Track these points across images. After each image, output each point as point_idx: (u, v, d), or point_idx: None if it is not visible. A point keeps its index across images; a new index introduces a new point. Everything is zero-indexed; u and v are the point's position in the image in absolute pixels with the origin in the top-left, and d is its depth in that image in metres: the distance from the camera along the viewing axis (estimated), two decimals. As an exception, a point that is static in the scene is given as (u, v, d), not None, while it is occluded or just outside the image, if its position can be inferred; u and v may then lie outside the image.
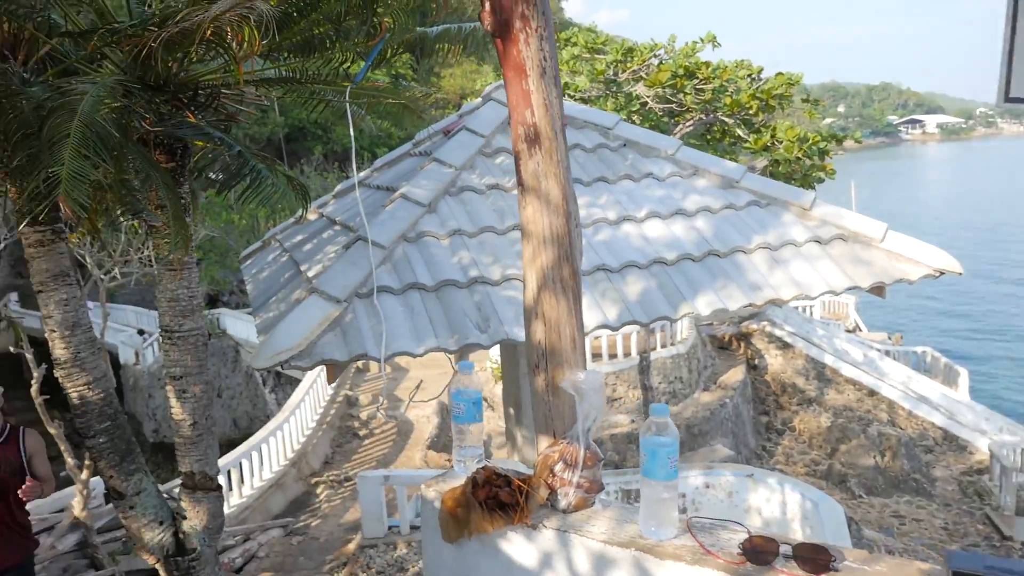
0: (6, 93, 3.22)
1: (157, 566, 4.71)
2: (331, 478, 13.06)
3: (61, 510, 9.83)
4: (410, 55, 5.32)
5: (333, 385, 15.64)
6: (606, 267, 4.11)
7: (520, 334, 3.79)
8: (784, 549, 1.50)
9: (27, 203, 3.26)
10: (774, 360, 19.78)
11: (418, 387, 14.98)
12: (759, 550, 1.51)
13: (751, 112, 15.44)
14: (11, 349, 16.68)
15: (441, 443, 14.76)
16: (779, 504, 8.43)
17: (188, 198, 3.97)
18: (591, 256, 4.15)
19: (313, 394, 14.67)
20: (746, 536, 1.55)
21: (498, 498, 1.59)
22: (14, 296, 24.38)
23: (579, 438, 1.57)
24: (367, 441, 14.88)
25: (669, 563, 1.46)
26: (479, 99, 5.32)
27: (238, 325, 20.63)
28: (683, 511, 8.24)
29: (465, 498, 1.62)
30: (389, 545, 9.60)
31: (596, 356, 15.96)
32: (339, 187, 5.62)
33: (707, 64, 15.79)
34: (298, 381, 15.95)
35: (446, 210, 4.29)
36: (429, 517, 1.70)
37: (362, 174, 5.09)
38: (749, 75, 16.12)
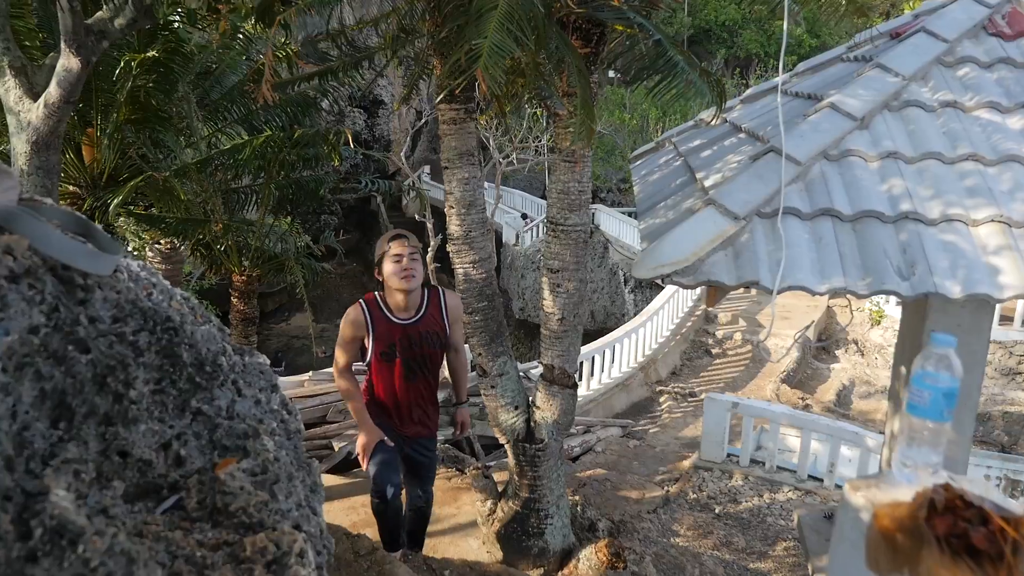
0: (445, -36, 3.24)
1: (506, 445, 4.92)
2: (676, 390, 13.00)
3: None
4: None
5: (693, 297, 15.37)
6: None
7: (954, 289, 3.07)
8: None
9: (447, 78, 3.33)
10: None
11: (801, 334, 14.08)
12: None
13: None
14: (416, 217, 19.03)
15: (796, 379, 13.87)
16: None
17: (595, 88, 3.79)
18: None
19: (672, 303, 14.56)
20: None
21: (967, 538, 1.13)
22: (427, 169, 27.62)
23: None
24: (718, 360, 14.51)
25: None
26: (947, -4, 4.35)
27: (611, 223, 21.15)
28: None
29: (913, 523, 1.18)
30: (725, 473, 9.30)
31: (1006, 319, 13.58)
32: (749, 91, 5.08)
33: None
34: (659, 287, 15.96)
35: (882, 127, 3.58)
36: (849, 528, 1.30)
37: (778, 79, 4.49)
38: None
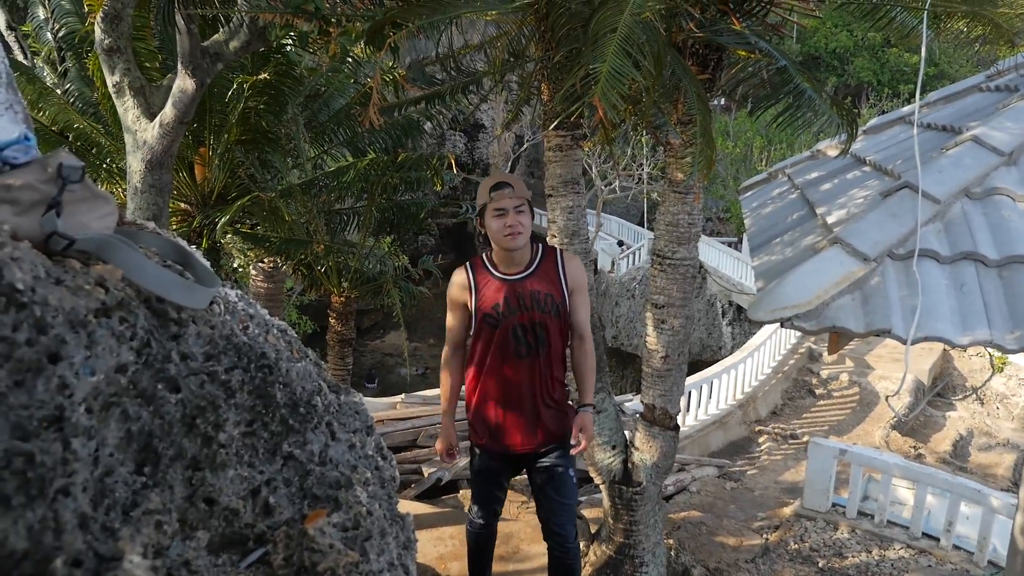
0: (558, -12, 3.14)
1: (601, 486, 4.72)
2: (777, 431, 12.43)
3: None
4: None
5: (797, 334, 14.74)
6: None
7: (1120, 350, 2.72)
8: None
9: (559, 104, 3.21)
10: None
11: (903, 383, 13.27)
12: None
13: None
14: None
15: (909, 426, 13.05)
16: None
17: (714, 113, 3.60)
18: None
19: (775, 339, 13.99)
20: None
21: None
22: (525, 193, 27.66)
23: None
24: (822, 402, 13.82)
25: None
26: (1106, 21, 3.96)
27: (710, 253, 20.64)
28: None
29: None
30: (829, 524, 8.77)
31: None
32: (873, 121, 4.77)
33: None
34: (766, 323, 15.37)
35: (1034, 164, 3.25)
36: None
37: (905, 109, 4.17)
38: None
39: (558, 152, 3.97)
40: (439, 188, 7.51)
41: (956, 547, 7.99)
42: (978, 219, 3.13)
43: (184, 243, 1.55)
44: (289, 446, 1.44)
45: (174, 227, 7.91)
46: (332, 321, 8.50)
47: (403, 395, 8.70)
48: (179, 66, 4.43)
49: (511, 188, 2.94)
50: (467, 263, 3.13)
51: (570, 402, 3.27)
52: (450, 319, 3.15)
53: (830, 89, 26.84)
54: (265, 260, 8.81)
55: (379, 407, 8.34)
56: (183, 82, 4.42)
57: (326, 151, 8.92)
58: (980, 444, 12.85)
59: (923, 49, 3.38)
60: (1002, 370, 14.02)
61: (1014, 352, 2.90)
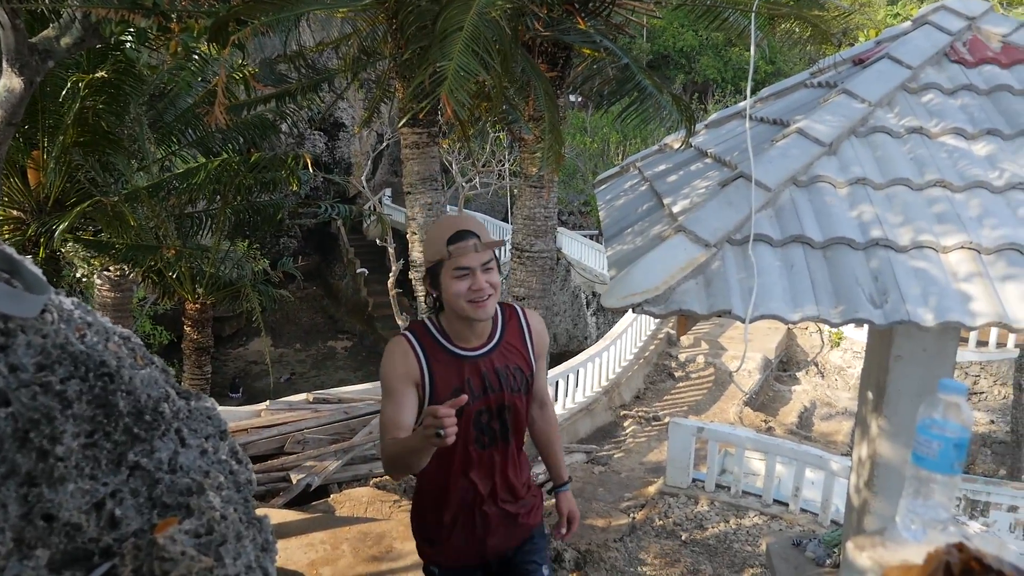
0: (408, -14, 3.16)
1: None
2: (640, 414, 12.95)
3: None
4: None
5: (656, 320, 15.38)
6: (1019, 246, 3.14)
7: (926, 317, 3.03)
8: None
9: (410, 101, 3.23)
10: None
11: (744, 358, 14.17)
12: None
13: None
14: (377, 241, 18.86)
15: (759, 401, 13.93)
16: None
17: (561, 112, 3.72)
18: (1008, 228, 3.20)
19: (635, 327, 14.55)
20: None
21: (988, 605, 1.03)
22: (388, 192, 27.46)
23: None
24: (681, 384, 14.51)
25: None
26: (907, 23, 4.38)
27: (573, 246, 21.19)
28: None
29: (929, 586, 1.07)
30: (691, 498, 9.24)
31: (960, 340, 13.81)
32: (713, 116, 5.06)
33: None
34: (621, 310, 15.97)
35: (850, 153, 3.56)
36: (854, 586, 1.20)
37: (741, 104, 4.46)
38: None
39: (415, 149, 3.99)
40: (295, 188, 7.33)
41: (803, 510, 8.62)
42: (804, 205, 3.39)
43: (11, 250, 1.46)
44: (135, 455, 1.39)
45: (6, 236, 7.33)
46: (187, 329, 8.12)
47: (268, 402, 8.45)
48: (4, 64, 4.12)
49: (476, 239, 2.22)
50: (408, 332, 2.38)
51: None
52: (390, 407, 2.28)
53: (678, 86, 28.14)
54: (111, 268, 8.31)
55: (243, 415, 8.07)
56: (9, 81, 4.12)
57: (174, 152, 8.51)
58: (822, 414, 13.89)
59: (752, 47, 3.64)
60: (839, 344, 15.20)
61: (839, 325, 3.17)
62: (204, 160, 7.61)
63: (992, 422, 13.51)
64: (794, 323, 3.11)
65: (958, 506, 9.34)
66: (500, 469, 2.45)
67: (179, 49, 3.57)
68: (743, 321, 3.09)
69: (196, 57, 7.48)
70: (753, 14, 3.52)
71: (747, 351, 14.79)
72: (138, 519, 1.35)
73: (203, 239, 8.58)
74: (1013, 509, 8.52)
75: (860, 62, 4.21)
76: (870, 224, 3.28)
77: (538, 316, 2.64)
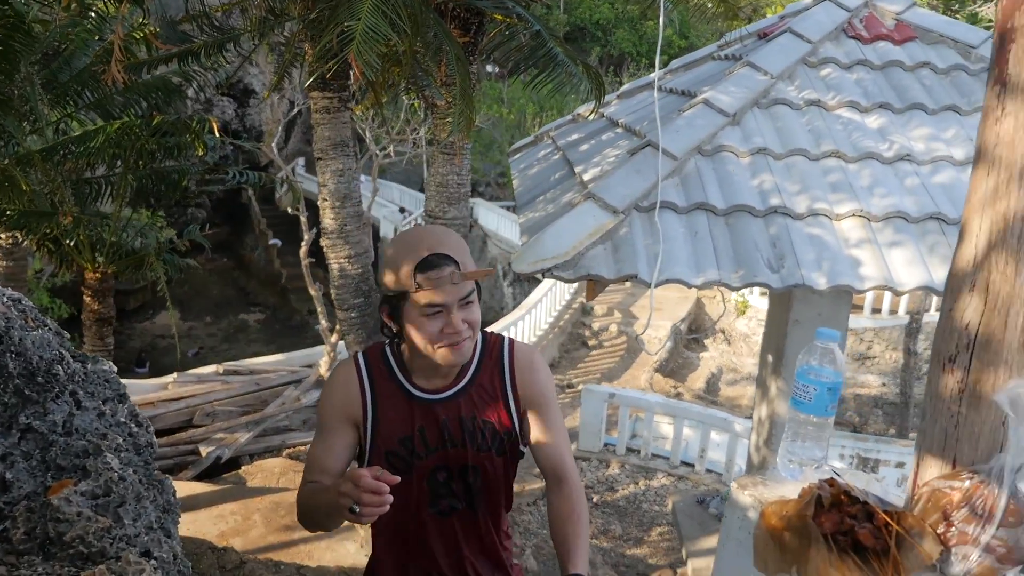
0: (314, -57, 3.09)
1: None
2: (555, 382, 13.16)
3: (310, 365, 10.72)
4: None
5: (571, 290, 15.61)
6: (942, 216, 3.34)
7: (819, 281, 3.19)
8: None
9: (318, 62, 3.17)
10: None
11: (648, 322, 14.51)
12: None
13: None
14: (289, 210, 18.44)
15: (669, 368, 14.34)
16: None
17: (474, 79, 3.72)
18: (924, 201, 3.39)
19: (551, 296, 14.73)
20: None
21: (855, 536, 1.12)
22: (301, 161, 26.79)
23: (1001, 477, 1.05)
24: (595, 352, 14.80)
25: None
26: (808, -1, 4.54)
27: (490, 217, 21.20)
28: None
29: (801, 521, 1.16)
30: (602, 462, 9.49)
31: (855, 307, 14.52)
32: (626, 86, 5.14)
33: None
34: (537, 280, 16.13)
35: (752, 124, 3.68)
36: (735, 527, 1.28)
37: (653, 75, 4.55)
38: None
39: (325, 114, 3.92)
40: (201, 154, 7.08)
41: (709, 471, 8.97)
42: (708, 173, 3.50)
43: None
44: (27, 418, 1.35)
45: None
46: (87, 300, 7.78)
47: (175, 374, 8.21)
48: None
49: (454, 266, 1.67)
50: (359, 355, 1.91)
51: (516, 561, 2.07)
52: (318, 445, 1.87)
53: (594, 58, 28.33)
54: (2, 236, 7.87)
55: (149, 388, 7.82)
56: None
57: (70, 115, 8.08)
58: (728, 379, 14.42)
59: (662, 20, 3.70)
60: (744, 313, 15.75)
61: (738, 288, 3.31)
62: (103, 123, 7.26)
63: (883, 384, 14.31)
64: (697, 287, 3.22)
65: (851, 464, 9.90)
66: (467, 541, 1.90)
67: (73, 3, 3.39)
68: (648, 285, 3.19)
69: (93, 14, 7.10)
70: (662, -13, 3.58)
71: (655, 319, 15.17)
72: (31, 482, 1.32)
73: (103, 206, 8.20)
74: (900, 465, 9.07)
75: (765, 36, 4.34)
76: (769, 192, 3.42)
77: (530, 352, 1.93)
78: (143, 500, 1.40)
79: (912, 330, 12.75)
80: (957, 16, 13.04)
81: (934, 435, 1.12)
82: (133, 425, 1.56)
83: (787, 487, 1.26)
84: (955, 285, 1.07)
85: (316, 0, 3.08)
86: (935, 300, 14.44)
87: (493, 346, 1.91)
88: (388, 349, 1.89)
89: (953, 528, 1.07)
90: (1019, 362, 1.05)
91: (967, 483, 1.08)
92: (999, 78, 0.97)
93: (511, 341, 1.94)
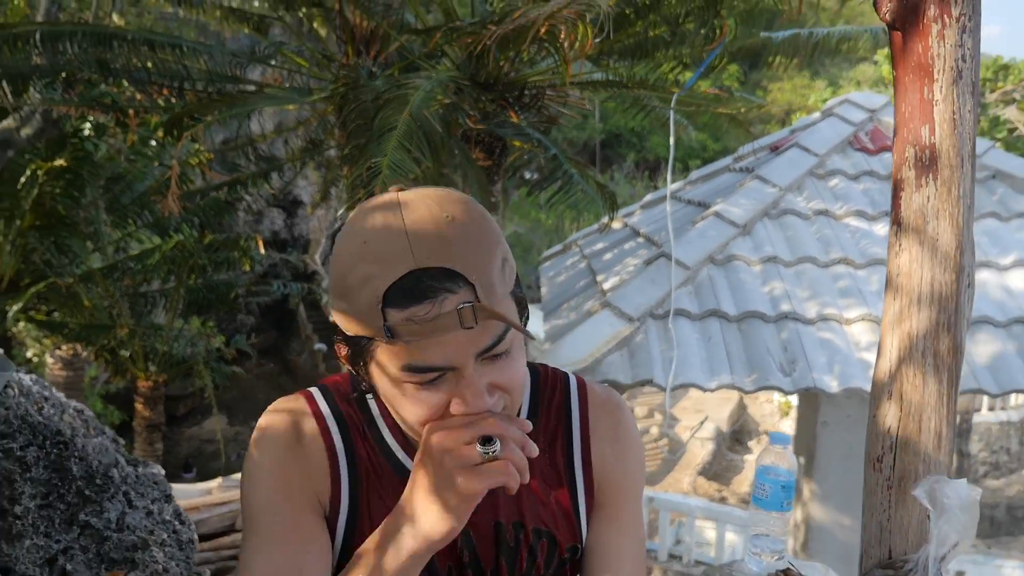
0: (353, 85, 3.45)
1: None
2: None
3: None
4: (737, 67, 4.95)
5: (611, 393, 15.58)
6: None
7: (831, 384, 3.30)
8: None
9: (349, 191, 3.48)
10: None
11: (702, 423, 14.49)
12: None
13: None
14: (330, 317, 18.90)
15: (713, 471, 14.08)
16: None
17: (499, 196, 4.00)
18: None
19: (590, 399, 14.71)
20: None
21: (808, 621, 1.24)
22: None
23: (927, 567, 1.17)
24: (637, 455, 14.61)
25: None
26: (817, 114, 4.81)
27: (533, 321, 21.41)
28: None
29: (762, 608, 1.29)
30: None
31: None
32: (648, 197, 5.41)
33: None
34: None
35: (762, 234, 3.88)
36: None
37: (674, 186, 4.81)
38: None
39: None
40: (248, 269, 7.50)
41: (754, 578, 8.70)
42: (720, 281, 3.69)
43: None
44: (86, 515, 1.55)
45: (-44, 317, 7.32)
46: (139, 406, 8.11)
47: (220, 479, 8.39)
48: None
49: (465, 292, 0.79)
50: (317, 396, 1.01)
51: None
52: (263, 563, 0.91)
53: (631, 163, 29.08)
54: (64, 347, 8.31)
55: (194, 493, 7.99)
56: (-32, 168, 4.29)
57: (130, 234, 8.65)
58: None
59: (672, 137, 3.98)
60: (787, 414, 15.51)
61: (752, 392, 3.43)
62: (159, 241, 7.76)
63: (938, 487, 13.82)
64: (711, 390, 3.36)
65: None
66: None
67: (135, 141, 3.79)
68: (664, 389, 3.34)
69: (153, 143, 7.71)
70: (672, 110, 3.87)
71: (701, 423, 15.02)
72: (87, 573, 1.50)
73: (156, 317, 8.64)
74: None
75: (775, 149, 4.60)
76: (780, 299, 3.58)
77: (615, 400, 1.09)
78: (183, 590, 1.57)
79: (963, 430, 12.43)
80: (980, 120, 13.29)
81: (871, 529, 1.26)
82: (177, 523, 1.75)
83: (753, 577, 1.38)
84: (876, 394, 1.22)
85: (349, 136, 3.42)
86: (985, 400, 14.10)
87: (551, 386, 1.06)
88: (374, 411, 1.00)
89: (892, 613, 1.18)
90: (935, 461, 1.19)
91: (900, 572, 1.20)
92: (895, 219, 1.15)
93: (580, 381, 1.10)
